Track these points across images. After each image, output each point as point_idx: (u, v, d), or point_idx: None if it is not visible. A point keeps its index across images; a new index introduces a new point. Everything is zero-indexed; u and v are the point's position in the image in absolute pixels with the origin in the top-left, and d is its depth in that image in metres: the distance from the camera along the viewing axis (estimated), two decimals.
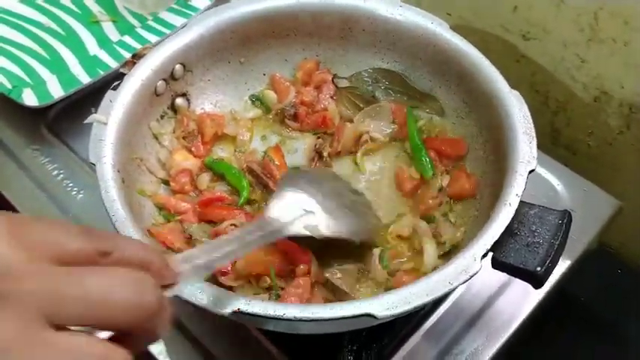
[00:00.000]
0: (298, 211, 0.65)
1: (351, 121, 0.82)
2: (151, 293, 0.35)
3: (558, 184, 0.84)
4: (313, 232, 0.65)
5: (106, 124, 0.69)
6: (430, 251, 0.68)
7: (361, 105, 0.84)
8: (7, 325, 0.31)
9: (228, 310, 0.54)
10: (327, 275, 0.67)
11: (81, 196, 0.85)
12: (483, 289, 0.76)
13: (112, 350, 0.34)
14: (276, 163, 0.77)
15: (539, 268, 0.58)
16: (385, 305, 0.54)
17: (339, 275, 0.68)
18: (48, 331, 0.32)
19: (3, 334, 0.31)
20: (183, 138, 0.80)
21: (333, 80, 0.85)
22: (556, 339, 0.89)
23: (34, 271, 0.33)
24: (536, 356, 0.86)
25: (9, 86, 0.90)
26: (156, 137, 0.78)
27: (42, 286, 0.33)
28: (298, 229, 0.64)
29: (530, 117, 0.67)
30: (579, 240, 0.79)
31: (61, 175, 0.87)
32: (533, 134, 0.66)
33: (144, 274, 0.36)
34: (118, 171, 0.66)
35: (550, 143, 1.03)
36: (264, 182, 0.76)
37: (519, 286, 0.75)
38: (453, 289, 0.56)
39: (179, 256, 0.46)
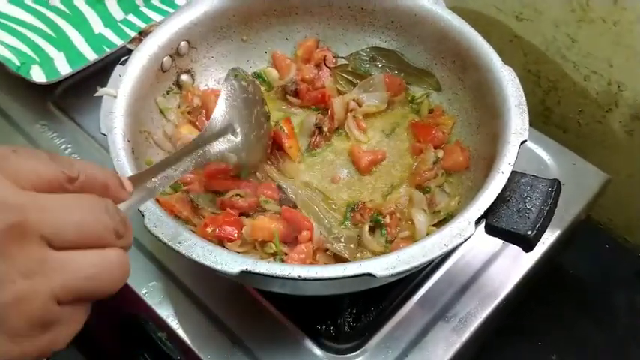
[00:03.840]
0: (227, 135, 0.71)
1: None
2: (109, 213, 0.41)
3: (549, 159, 0.88)
4: (228, 159, 0.70)
5: (115, 96, 0.71)
6: (421, 219, 0.72)
7: (355, 81, 0.87)
8: (27, 250, 0.36)
9: (236, 270, 0.57)
10: (327, 245, 0.70)
11: None
12: (475, 257, 0.80)
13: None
14: (286, 132, 0.80)
15: (529, 232, 0.61)
16: (385, 265, 0.58)
17: (339, 244, 0.71)
18: (50, 250, 0.37)
19: (25, 258, 0.36)
20: (188, 113, 0.83)
21: (325, 62, 0.87)
22: (549, 309, 0.92)
23: (30, 202, 0.37)
24: (530, 324, 0.90)
25: (17, 63, 0.92)
26: (162, 112, 0.81)
27: (40, 216, 0.37)
28: (222, 148, 0.69)
29: (522, 90, 0.70)
30: (568, 211, 0.82)
31: (69, 150, 0.90)
32: (525, 107, 0.69)
33: (102, 199, 0.41)
34: (129, 141, 0.69)
35: (541, 122, 1.06)
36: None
37: (510, 253, 0.79)
38: (449, 251, 0.60)
39: (131, 177, 0.50)
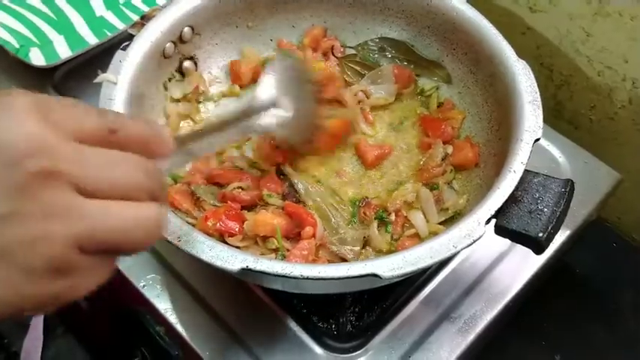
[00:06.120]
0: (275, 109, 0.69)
1: None
2: (148, 174, 0.40)
3: (560, 156, 0.86)
4: (276, 130, 0.69)
5: (115, 83, 0.69)
6: (418, 222, 0.70)
7: (363, 72, 0.84)
8: (53, 194, 0.35)
9: (236, 267, 0.55)
10: (332, 247, 0.68)
11: None
12: (482, 257, 0.78)
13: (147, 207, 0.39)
14: None
15: (541, 234, 0.59)
16: (390, 266, 0.56)
17: (344, 246, 0.68)
18: (79, 198, 0.36)
19: (50, 200, 0.35)
20: (197, 101, 0.81)
21: (332, 51, 0.85)
22: (553, 309, 0.90)
23: (67, 151, 0.36)
24: (534, 324, 0.88)
25: (16, 45, 0.89)
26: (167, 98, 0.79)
27: (76, 167, 0.36)
28: (269, 121, 0.67)
29: (536, 86, 0.68)
30: (579, 211, 0.80)
31: None
32: (539, 103, 0.67)
33: (145, 160, 0.40)
34: None
35: (553, 117, 1.03)
36: None
37: (518, 254, 0.77)
38: (457, 252, 0.58)
39: (176, 137, 0.48)
